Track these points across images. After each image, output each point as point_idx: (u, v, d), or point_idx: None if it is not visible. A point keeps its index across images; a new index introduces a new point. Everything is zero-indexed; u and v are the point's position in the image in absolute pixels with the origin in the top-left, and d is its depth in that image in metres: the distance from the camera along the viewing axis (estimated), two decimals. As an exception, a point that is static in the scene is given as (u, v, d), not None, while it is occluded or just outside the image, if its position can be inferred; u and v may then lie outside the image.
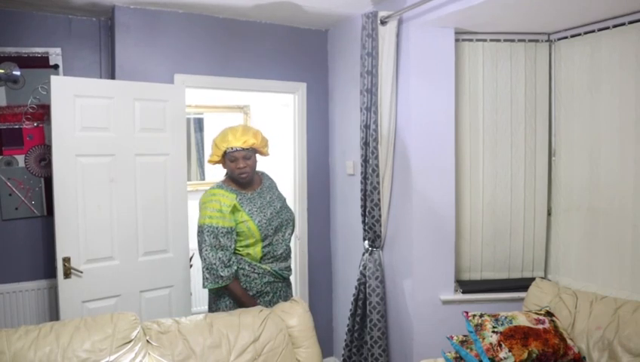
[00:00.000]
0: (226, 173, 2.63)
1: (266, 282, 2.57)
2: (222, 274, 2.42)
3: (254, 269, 2.52)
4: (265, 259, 2.56)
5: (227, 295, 2.53)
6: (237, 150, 2.47)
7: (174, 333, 2.15)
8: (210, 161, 2.63)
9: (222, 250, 2.43)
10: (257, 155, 2.63)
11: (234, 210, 2.47)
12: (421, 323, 2.72)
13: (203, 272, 2.47)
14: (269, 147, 2.68)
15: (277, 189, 2.77)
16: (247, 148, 2.48)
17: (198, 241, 2.49)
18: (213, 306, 2.61)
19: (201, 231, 2.47)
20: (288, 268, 2.69)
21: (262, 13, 3.14)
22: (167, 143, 2.94)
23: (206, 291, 2.65)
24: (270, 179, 2.79)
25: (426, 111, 2.68)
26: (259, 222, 2.49)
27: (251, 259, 2.52)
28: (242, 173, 2.50)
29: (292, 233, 2.71)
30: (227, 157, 2.51)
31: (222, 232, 2.43)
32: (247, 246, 2.52)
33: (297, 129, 3.51)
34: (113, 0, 2.83)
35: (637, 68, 2.36)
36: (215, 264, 2.41)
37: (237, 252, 2.52)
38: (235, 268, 2.46)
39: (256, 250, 2.53)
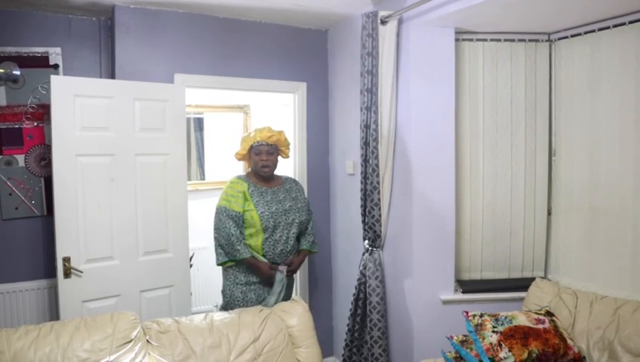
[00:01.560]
0: (251, 168, 2.90)
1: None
2: (238, 247, 2.66)
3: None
4: (265, 253, 2.72)
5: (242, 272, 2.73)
6: (262, 144, 2.77)
7: (174, 333, 2.15)
8: (237, 155, 2.90)
9: (235, 228, 2.67)
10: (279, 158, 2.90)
11: (244, 197, 2.72)
12: (421, 323, 2.72)
13: (216, 249, 2.74)
14: (289, 150, 2.94)
15: (297, 192, 2.93)
16: (271, 144, 2.78)
17: (214, 221, 2.75)
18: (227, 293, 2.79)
19: (217, 212, 2.75)
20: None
21: (262, 13, 3.14)
22: (167, 143, 2.94)
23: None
24: (293, 183, 2.98)
25: (426, 110, 2.68)
26: (261, 213, 2.69)
27: (252, 251, 2.74)
28: (265, 166, 2.77)
29: (297, 234, 2.84)
30: (253, 151, 2.79)
31: (232, 214, 2.69)
32: (250, 235, 2.73)
33: (297, 129, 3.51)
34: (113, 0, 2.83)
35: (637, 68, 2.36)
36: (232, 237, 2.66)
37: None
38: (248, 249, 2.68)
39: (258, 242, 2.71)
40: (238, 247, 2.66)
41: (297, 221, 2.83)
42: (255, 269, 2.72)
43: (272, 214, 2.72)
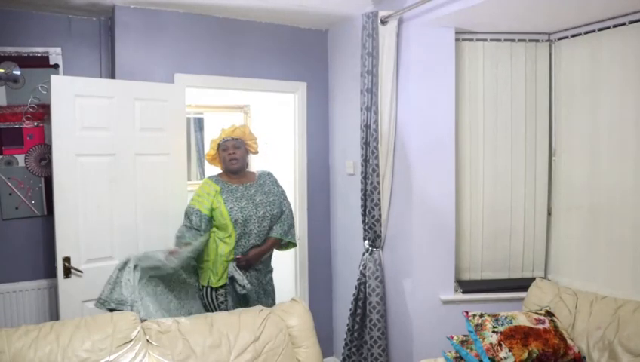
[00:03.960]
0: (222, 168, 2.90)
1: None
2: (187, 234, 2.69)
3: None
4: (237, 247, 2.72)
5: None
6: (228, 140, 2.83)
7: (174, 333, 2.15)
8: (207, 156, 2.93)
9: (188, 228, 2.71)
10: (250, 156, 2.95)
11: (215, 199, 2.74)
12: (421, 323, 2.72)
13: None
14: (258, 145, 2.94)
15: (270, 186, 2.91)
16: (236, 138, 2.83)
17: (183, 221, 2.80)
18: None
19: (186, 211, 2.81)
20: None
21: (262, 13, 3.14)
22: (167, 143, 2.94)
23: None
24: (267, 177, 2.96)
25: (426, 110, 2.68)
26: (230, 208, 2.72)
27: (229, 245, 2.71)
28: (232, 160, 2.80)
29: (270, 228, 2.82)
30: (220, 148, 2.84)
31: (194, 212, 2.73)
32: (222, 232, 2.73)
33: (297, 129, 3.51)
34: (113, 0, 2.83)
35: (637, 68, 2.36)
36: (177, 235, 2.72)
37: (214, 233, 2.75)
38: (186, 241, 2.66)
39: (232, 238, 2.71)
40: (187, 234, 2.68)
41: (269, 214, 2.81)
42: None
43: (240, 209, 2.72)
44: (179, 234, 2.72)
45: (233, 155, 2.80)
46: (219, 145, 2.85)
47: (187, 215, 2.75)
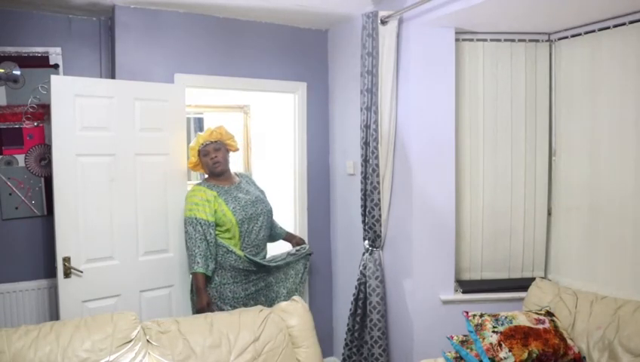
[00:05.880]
0: (207, 174, 2.94)
1: (245, 270, 2.78)
2: (198, 259, 2.65)
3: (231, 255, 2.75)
4: (245, 246, 2.79)
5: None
6: (207, 144, 2.84)
7: (174, 333, 2.15)
8: (189, 164, 2.94)
9: (202, 240, 2.67)
10: (231, 154, 2.97)
11: (215, 202, 2.74)
12: (421, 323, 2.72)
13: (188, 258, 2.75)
14: (236, 142, 2.98)
15: (253, 184, 3.05)
16: (214, 141, 2.85)
17: (185, 232, 2.76)
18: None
19: (185, 223, 2.75)
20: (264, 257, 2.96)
21: (262, 13, 3.14)
22: (167, 143, 2.94)
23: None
24: (247, 177, 3.10)
25: (426, 110, 2.68)
26: (233, 208, 2.76)
27: (233, 246, 2.76)
28: (215, 163, 2.83)
29: (267, 223, 2.94)
30: (201, 155, 2.86)
31: (201, 223, 2.69)
32: (227, 230, 2.76)
33: (297, 129, 3.51)
34: (113, 0, 2.83)
35: (637, 68, 2.36)
36: (194, 252, 2.67)
37: (219, 236, 2.75)
38: (211, 265, 2.69)
39: (236, 237, 2.77)
40: (199, 259, 2.65)
41: (265, 210, 2.90)
42: (196, 290, 2.69)
43: (242, 207, 2.78)
44: (191, 250, 2.66)
45: (215, 158, 2.82)
46: (199, 151, 2.85)
47: (192, 226, 2.69)
